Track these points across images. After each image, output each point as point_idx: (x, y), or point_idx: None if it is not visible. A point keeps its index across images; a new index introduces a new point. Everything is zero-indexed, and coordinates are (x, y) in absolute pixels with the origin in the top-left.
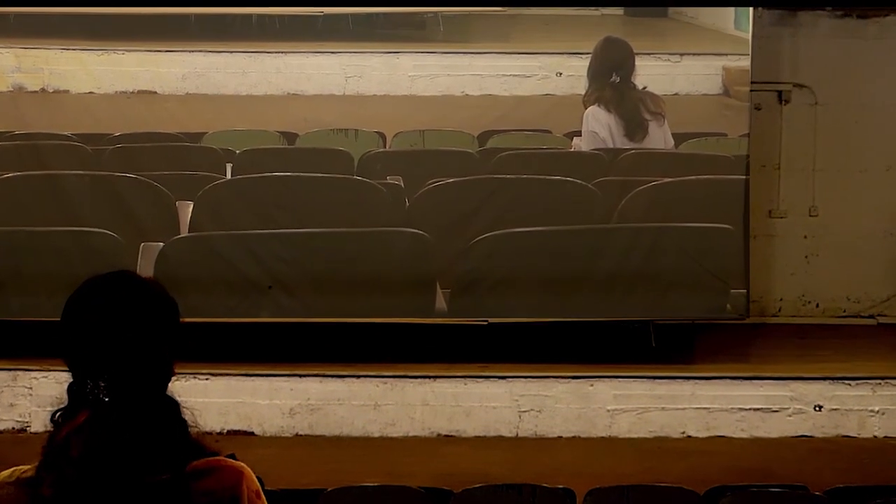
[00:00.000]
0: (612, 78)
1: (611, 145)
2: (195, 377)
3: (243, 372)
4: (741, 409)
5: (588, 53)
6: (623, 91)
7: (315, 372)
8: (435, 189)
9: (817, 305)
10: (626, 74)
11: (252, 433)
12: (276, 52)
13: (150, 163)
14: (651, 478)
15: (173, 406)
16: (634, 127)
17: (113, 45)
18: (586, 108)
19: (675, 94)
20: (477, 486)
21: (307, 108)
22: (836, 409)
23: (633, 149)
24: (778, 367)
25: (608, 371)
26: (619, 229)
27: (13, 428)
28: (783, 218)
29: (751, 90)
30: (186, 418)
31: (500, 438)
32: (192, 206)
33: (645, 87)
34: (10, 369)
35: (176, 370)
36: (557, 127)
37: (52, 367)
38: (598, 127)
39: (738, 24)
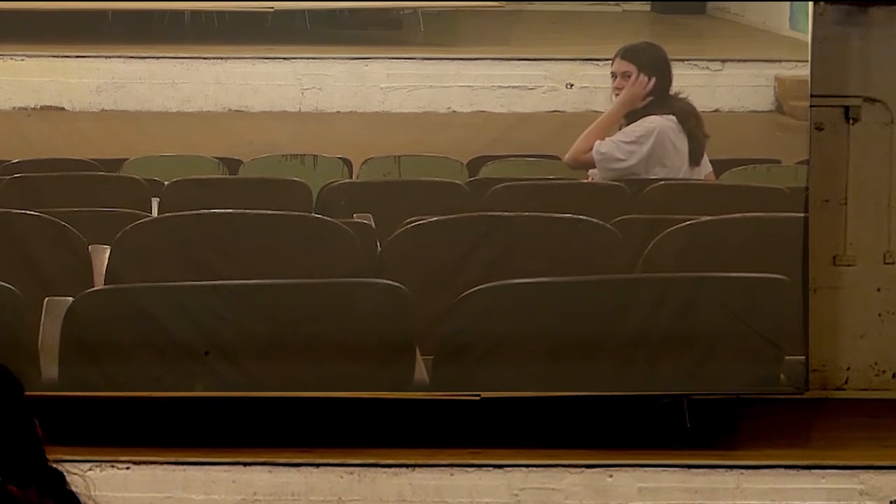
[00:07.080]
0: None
1: (643, 175)
2: (112, 466)
3: (173, 459)
4: None
5: (607, 60)
6: (672, 103)
7: (263, 459)
8: (414, 230)
9: (894, 376)
10: (668, 82)
11: None
12: (214, 59)
13: (56, 197)
14: None
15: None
16: (695, 151)
17: (10, 49)
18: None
19: (716, 110)
20: None
21: (253, 129)
22: None
23: (660, 179)
24: (844, 453)
25: (631, 458)
26: (646, 280)
27: None
28: (851, 266)
29: (810, 106)
30: None
31: None
32: (108, 252)
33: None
34: None
35: (87, 456)
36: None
37: None
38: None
39: (795, 22)
